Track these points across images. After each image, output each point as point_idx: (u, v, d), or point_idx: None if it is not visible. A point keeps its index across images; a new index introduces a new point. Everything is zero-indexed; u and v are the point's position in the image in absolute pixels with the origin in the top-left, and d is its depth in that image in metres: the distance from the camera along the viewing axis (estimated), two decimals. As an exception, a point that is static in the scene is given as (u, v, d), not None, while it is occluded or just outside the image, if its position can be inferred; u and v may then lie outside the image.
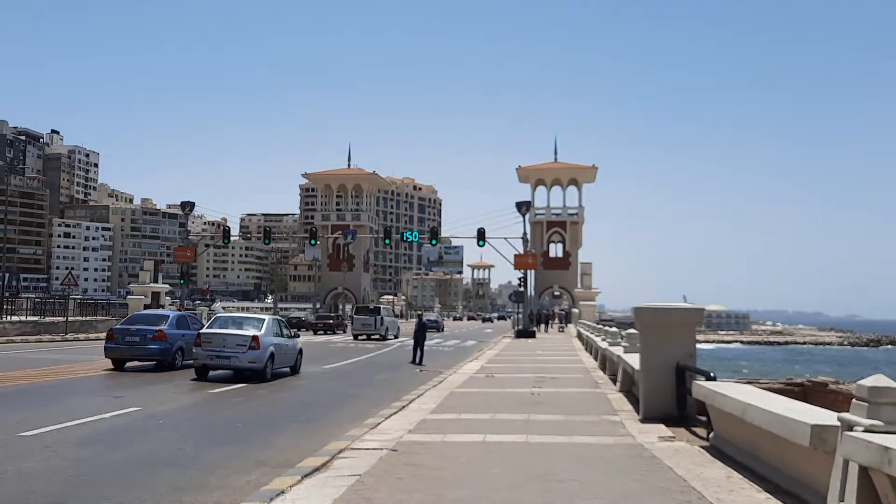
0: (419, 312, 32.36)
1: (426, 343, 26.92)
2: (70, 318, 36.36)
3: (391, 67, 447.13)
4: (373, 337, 40.91)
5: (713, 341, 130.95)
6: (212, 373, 17.85)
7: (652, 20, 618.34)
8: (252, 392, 15.40)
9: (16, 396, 13.54)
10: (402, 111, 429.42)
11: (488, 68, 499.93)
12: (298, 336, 21.55)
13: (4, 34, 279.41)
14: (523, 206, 50.76)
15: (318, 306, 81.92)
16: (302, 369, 20.43)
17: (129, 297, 52.86)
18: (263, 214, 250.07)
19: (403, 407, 12.43)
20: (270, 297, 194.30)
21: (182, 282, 51.29)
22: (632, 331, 15.14)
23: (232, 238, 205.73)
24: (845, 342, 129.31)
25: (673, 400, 10.46)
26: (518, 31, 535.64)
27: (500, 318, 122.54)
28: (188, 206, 51.54)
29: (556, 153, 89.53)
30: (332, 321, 50.28)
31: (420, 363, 24.58)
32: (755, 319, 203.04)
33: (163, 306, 51.20)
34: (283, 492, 6.42)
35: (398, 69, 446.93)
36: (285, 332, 19.60)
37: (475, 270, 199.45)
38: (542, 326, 60.55)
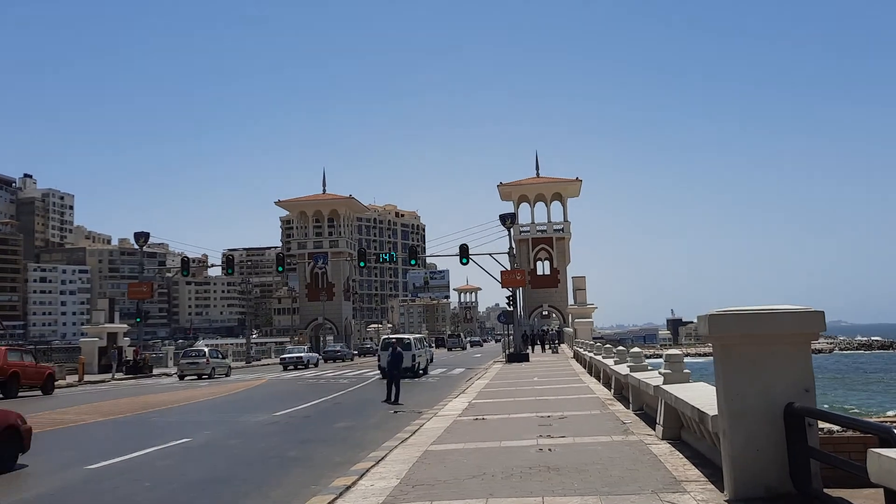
0: (391, 338, 27.54)
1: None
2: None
3: (366, 91, 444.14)
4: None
5: (704, 354, 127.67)
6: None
7: (634, 29, 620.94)
8: (151, 465, 11.06)
9: None
10: (379, 136, 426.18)
11: (464, 86, 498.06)
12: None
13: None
14: (508, 219, 46.58)
15: (296, 339, 77.21)
16: (248, 417, 17.65)
17: (82, 339, 48.12)
18: (245, 249, 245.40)
19: (350, 487, 8.15)
20: (256, 333, 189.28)
21: (138, 320, 46.59)
22: (673, 351, 10.96)
23: (211, 274, 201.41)
24: (835, 348, 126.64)
25: (783, 465, 6.26)
26: (494, 47, 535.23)
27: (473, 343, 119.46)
28: (143, 238, 47.04)
29: (537, 168, 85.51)
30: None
31: (395, 401, 20.29)
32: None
33: (121, 348, 46.61)
34: None
35: (373, 92, 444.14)
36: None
37: (462, 294, 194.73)
38: (538, 348, 56.35)
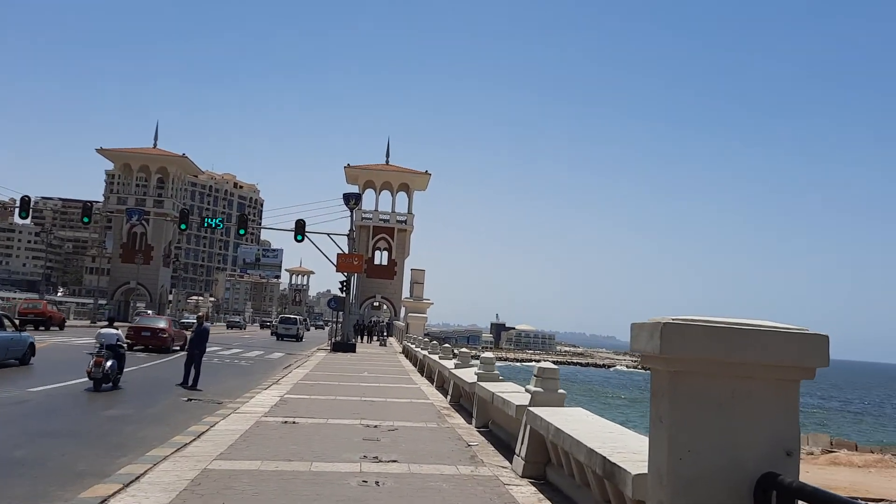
0: (199, 314, 23.29)
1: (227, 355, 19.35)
2: None
3: (217, 55, 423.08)
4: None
5: (521, 360, 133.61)
6: None
7: (501, 28, 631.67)
8: None
9: None
10: (223, 102, 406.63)
11: (320, 63, 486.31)
12: None
13: None
14: (352, 199, 43.61)
15: (102, 303, 70.01)
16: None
17: None
18: (61, 199, 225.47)
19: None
20: (63, 290, 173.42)
21: None
22: (547, 364, 8.70)
23: (19, 221, 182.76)
24: (639, 367, 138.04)
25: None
26: (352, 30, 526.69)
27: (317, 326, 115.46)
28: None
29: (388, 156, 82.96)
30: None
31: (193, 386, 17.00)
32: (559, 340, 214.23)
33: None
34: None
35: (224, 60, 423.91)
36: None
37: (294, 276, 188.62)
38: (366, 338, 53.90)
